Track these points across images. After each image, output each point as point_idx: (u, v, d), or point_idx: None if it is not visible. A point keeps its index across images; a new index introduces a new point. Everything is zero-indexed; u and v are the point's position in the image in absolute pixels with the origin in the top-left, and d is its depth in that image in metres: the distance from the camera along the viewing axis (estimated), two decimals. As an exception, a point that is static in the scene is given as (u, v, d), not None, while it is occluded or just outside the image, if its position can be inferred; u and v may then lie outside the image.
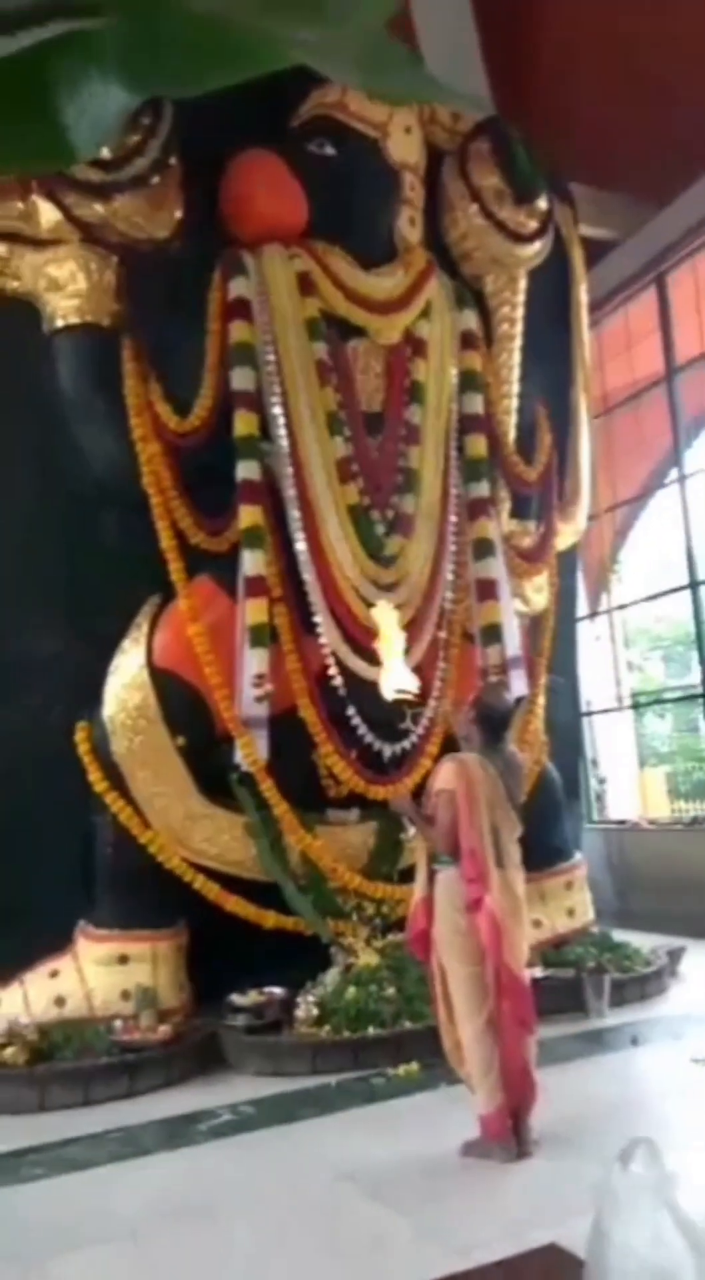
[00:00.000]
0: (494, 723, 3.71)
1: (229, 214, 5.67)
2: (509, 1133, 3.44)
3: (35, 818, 5.11)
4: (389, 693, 3.95)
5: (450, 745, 5.71)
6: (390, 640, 4.04)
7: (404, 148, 6.07)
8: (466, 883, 3.47)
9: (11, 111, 0.90)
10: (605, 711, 9.88)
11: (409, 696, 4.06)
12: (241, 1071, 4.74)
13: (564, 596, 6.75)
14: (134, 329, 5.44)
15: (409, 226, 6.10)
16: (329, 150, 5.78)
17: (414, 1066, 4.50)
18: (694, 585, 8.80)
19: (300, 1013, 4.85)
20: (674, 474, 9.27)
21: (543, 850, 5.34)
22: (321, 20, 0.87)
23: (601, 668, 9.74)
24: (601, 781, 9.70)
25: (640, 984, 5.61)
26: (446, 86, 1.01)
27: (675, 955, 6.15)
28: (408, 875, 5.57)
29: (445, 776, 3.60)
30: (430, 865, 3.63)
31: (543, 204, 6.37)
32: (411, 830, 5.56)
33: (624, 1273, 1.20)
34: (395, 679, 3.97)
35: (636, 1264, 1.19)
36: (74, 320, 5.32)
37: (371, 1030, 4.72)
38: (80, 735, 5.17)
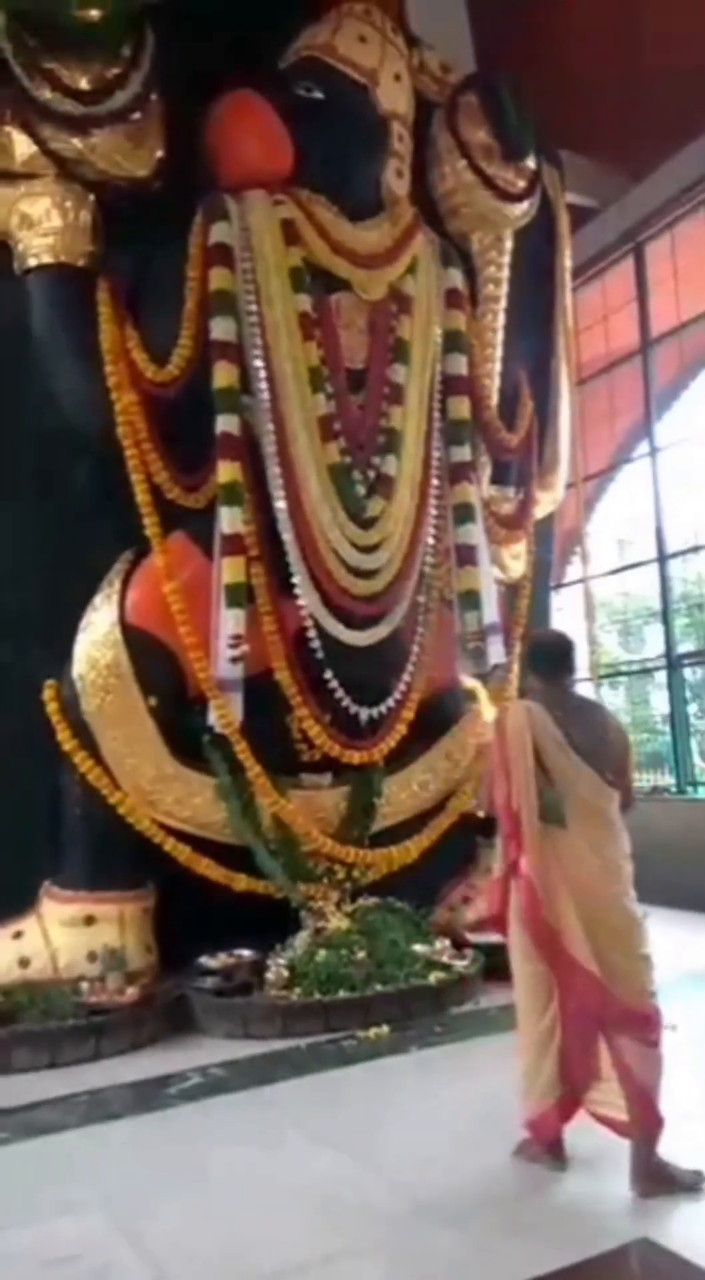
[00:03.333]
0: (552, 660, 3.23)
1: (211, 156, 5.43)
2: (558, 1144, 3.01)
3: (0, 776, 4.97)
4: None
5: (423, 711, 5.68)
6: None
7: (393, 96, 5.87)
8: (504, 841, 3.12)
9: None
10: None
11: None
12: (211, 1034, 4.69)
13: (540, 565, 6.71)
14: (110, 271, 5.23)
15: (396, 178, 5.92)
16: (317, 94, 5.57)
17: (384, 1030, 4.50)
18: (662, 559, 8.85)
19: (270, 975, 4.81)
20: (643, 448, 9.27)
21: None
22: None
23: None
24: None
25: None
26: None
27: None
28: (379, 839, 5.56)
29: (489, 729, 3.35)
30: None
31: (531, 163, 6.23)
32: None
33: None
34: None
35: None
36: (47, 260, 5.11)
37: (342, 993, 4.69)
38: (49, 694, 5.02)
